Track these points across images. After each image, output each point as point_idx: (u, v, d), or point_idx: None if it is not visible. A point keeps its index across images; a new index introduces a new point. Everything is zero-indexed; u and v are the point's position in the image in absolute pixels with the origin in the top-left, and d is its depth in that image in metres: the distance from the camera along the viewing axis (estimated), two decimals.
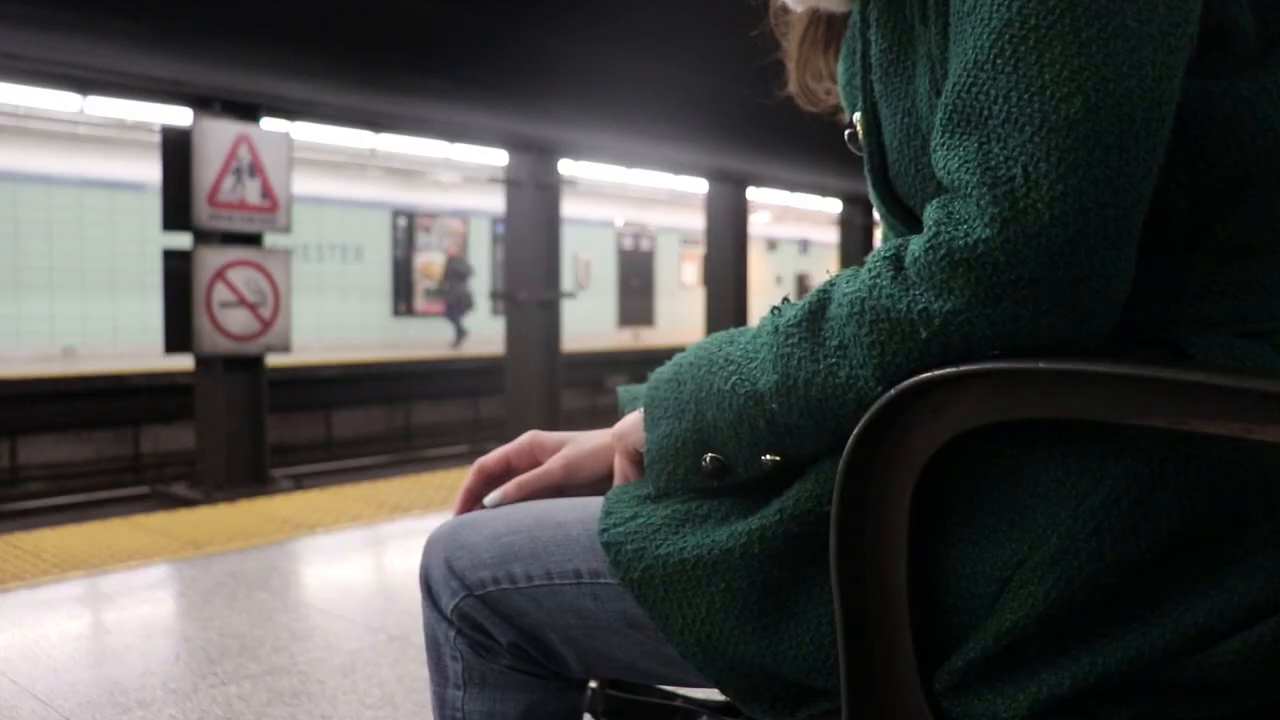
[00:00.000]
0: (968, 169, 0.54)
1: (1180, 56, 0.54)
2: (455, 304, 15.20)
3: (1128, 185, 0.52)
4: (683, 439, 0.69)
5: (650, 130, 7.56)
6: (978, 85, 0.54)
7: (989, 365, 0.57)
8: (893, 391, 0.59)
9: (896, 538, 0.61)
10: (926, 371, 0.57)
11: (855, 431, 0.60)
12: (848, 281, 0.61)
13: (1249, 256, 0.61)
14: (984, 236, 0.53)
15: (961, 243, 0.53)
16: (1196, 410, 0.51)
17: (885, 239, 0.72)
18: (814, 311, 0.62)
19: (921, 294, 0.55)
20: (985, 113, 0.54)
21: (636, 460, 0.78)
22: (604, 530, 0.72)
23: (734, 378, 0.65)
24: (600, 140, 8.08)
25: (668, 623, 0.68)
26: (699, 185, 11.11)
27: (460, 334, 15.14)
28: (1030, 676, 0.59)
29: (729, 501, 0.69)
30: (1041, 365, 0.55)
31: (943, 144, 0.57)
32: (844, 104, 0.75)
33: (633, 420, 0.77)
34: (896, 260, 0.58)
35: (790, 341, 0.62)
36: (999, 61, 0.54)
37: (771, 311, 0.66)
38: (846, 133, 0.75)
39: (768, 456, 0.65)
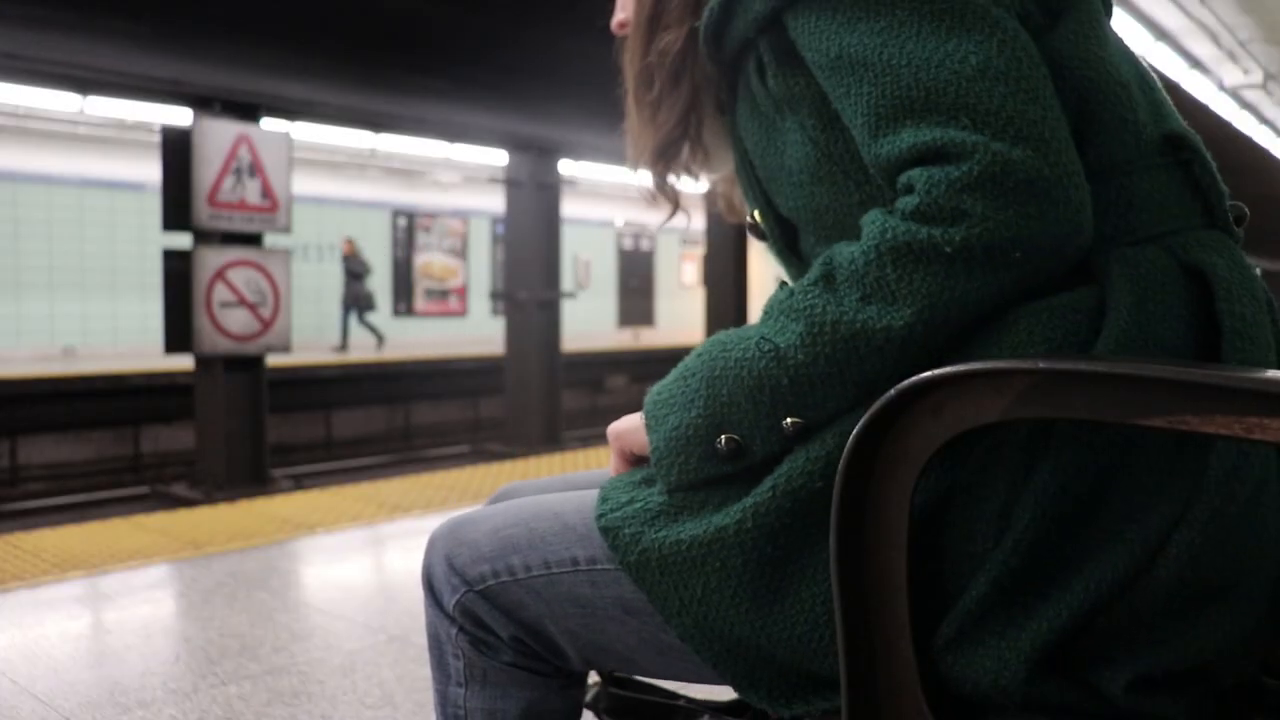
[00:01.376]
0: (924, 136, 0.61)
1: (1014, 13, 0.65)
2: (353, 304, 13.99)
3: (1048, 100, 0.62)
4: (693, 426, 0.70)
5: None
6: (887, 92, 0.63)
7: (988, 365, 0.57)
8: (892, 392, 0.59)
9: (896, 537, 0.61)
10: (955, 295, 0.61)
11: (855, 431, 0.60)
12: (848, 246, 0.65)
13: (1118, 175, 0.67)
14: (976, 160, 0.60)
15: (957, 174, 0.60)
16: (1196, 409, 0.52)
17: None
18: (826, 277, 0.65)
19: (937, 226, 0.61)
20: (906, 103, 0.63)
21: (631, 460, 0.80)
22: (601, 515, 0.74)
23: (752, 346, 0.67)
24: (600, 140, 8.08)
25: (665, 604, 0.70)
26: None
27: (345, 337, 13.88)
28: (1029, 615, 0.61)
29: (724, 489, 0.70)
30: (1041, 365, 0.56)
31: (882, 144, 0.64)
32: (749, 207, 0.85)
33: (632, 421, 0.78)
34: (894, 212, 0.63)
35: (810, 296, 0.65)
36: (894, 65, 0.63)
37: (780, 286, 0.70)
38: (747, 224, 0.86)
39: (789, 420, 0.66)
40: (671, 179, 0.88)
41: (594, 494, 0.78)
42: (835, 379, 0.64)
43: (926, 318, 0.61)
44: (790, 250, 0.80)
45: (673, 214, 0.91)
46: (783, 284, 0.71)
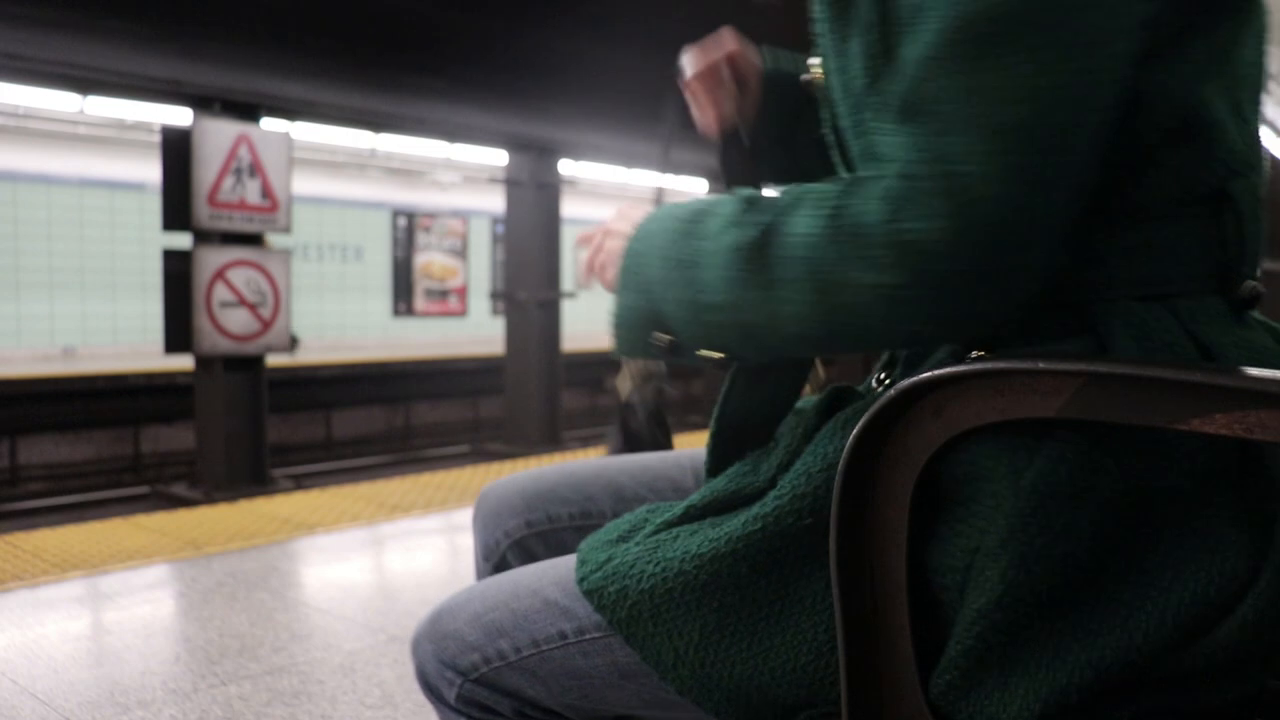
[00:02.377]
0: (921, 159, 0.55)
1: (1125, 58, 0.57)
2: None
3: (1068, 185, 0.55)
4: (641, 313, 0.73)
5: (650, 130, 7.55)
6: (930, 79, 0.56)
7: (989, 365, 0.57)
8: (893, 391, 0.59)
9: (896, 537, 0.61)
10: (865, 329, 0.59)
11: (855, 431, 0.60)
12: (798, 216, 0.61)
13: (1150, 221, 0.63)
14: (936, 226, 0.54)
15: (909, 228, 0.55)
16: (1196, 409, 0.51)
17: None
18: (765, 237, 0.63)
19: (866, 267, 0.57)
20: (936, 108, 0.55)
21: (620, 247, 0.79)
22: (583, 579, 0.72)
23: (689, 280, 0.67)
24: (600, 140, 8.08)
25: (660, 659, 0.68)
26: (699, 185, 11.10)
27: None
28: (1024, 674, 0.58)
29: (698, 526, 0.71)
30: (1041, 365, 0.55)
31: (892, 127, 0.57)
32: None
33: (623, 239, 0.79)
34: (842, 219, 0.58)
35: (740, 266, 0.64)
36: (951, 61, 0.55)
37: (742, 202, 0.66)
38: (803, 77, 0.84)
39: (708, 353, 0.69)
40: None
41: (569, 563, 0.78)
42: (751, 349, 0.67)
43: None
44: (834, 130, 0.74)
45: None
46: (745, 198, 0.67)
